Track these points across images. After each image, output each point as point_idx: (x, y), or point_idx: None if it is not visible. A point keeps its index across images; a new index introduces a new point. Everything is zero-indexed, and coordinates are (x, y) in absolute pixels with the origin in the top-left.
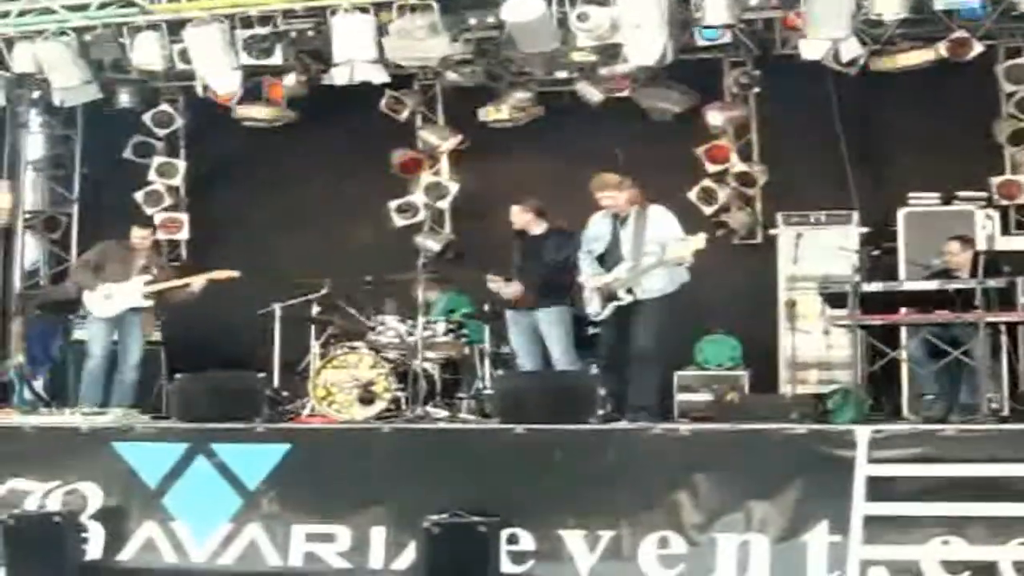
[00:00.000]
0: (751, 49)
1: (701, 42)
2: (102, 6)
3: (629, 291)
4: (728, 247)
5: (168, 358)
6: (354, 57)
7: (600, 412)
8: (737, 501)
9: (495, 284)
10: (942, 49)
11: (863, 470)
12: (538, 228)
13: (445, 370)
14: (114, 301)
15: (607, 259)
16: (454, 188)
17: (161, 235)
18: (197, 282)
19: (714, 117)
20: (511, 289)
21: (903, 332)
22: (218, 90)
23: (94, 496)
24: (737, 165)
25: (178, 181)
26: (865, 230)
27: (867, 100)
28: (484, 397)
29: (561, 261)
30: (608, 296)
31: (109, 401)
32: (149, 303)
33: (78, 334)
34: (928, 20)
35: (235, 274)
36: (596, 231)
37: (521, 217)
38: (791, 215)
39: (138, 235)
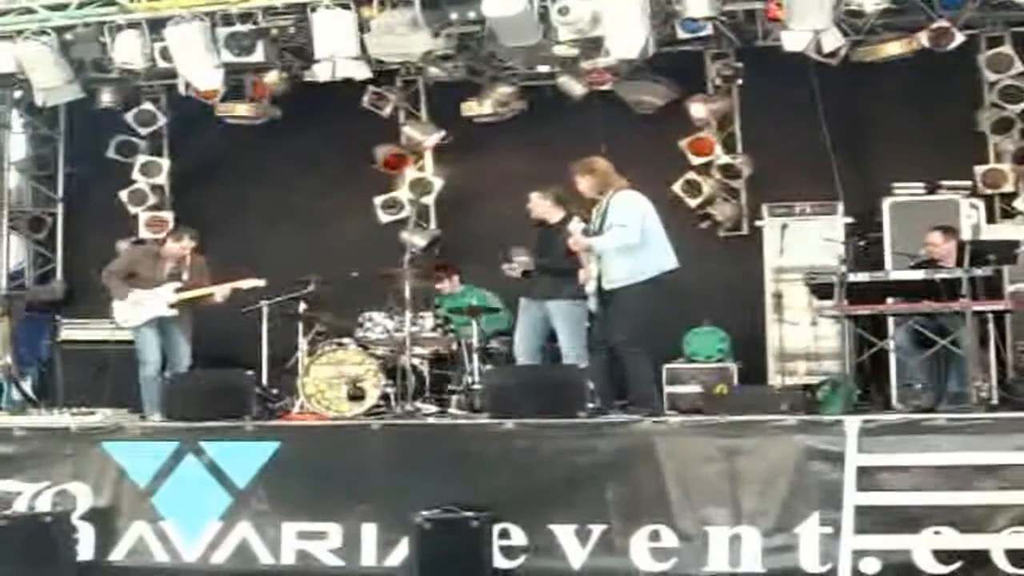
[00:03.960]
0: (733, 41)
1: (683, 35)
2: (82, 5)
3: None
4: (714, 239)
5: None
6: (336, 53)
7: (589, 406)
8: (728, 493)
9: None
10: (923, 39)
11: (853, 460)
12: (556, 217)
13: (434, 365)
14: (142, 308)
15: None
16: (439, 183)
17: (146, 234)
18: (220, 292)
19: (697, 109)
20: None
21: (890, 322)
22: (200, 88)
23: (84, 496)
24: (721, 157)
25: (162, 179)
26: (850, 220)
27: (850, 91)
28: (473, 392)
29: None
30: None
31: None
32: (173, 312)
33: (66, 334)
34: (909, 10)
35: (260, 282)
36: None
37: (540, 205)
38: (776, 206)
39: (172, 247)
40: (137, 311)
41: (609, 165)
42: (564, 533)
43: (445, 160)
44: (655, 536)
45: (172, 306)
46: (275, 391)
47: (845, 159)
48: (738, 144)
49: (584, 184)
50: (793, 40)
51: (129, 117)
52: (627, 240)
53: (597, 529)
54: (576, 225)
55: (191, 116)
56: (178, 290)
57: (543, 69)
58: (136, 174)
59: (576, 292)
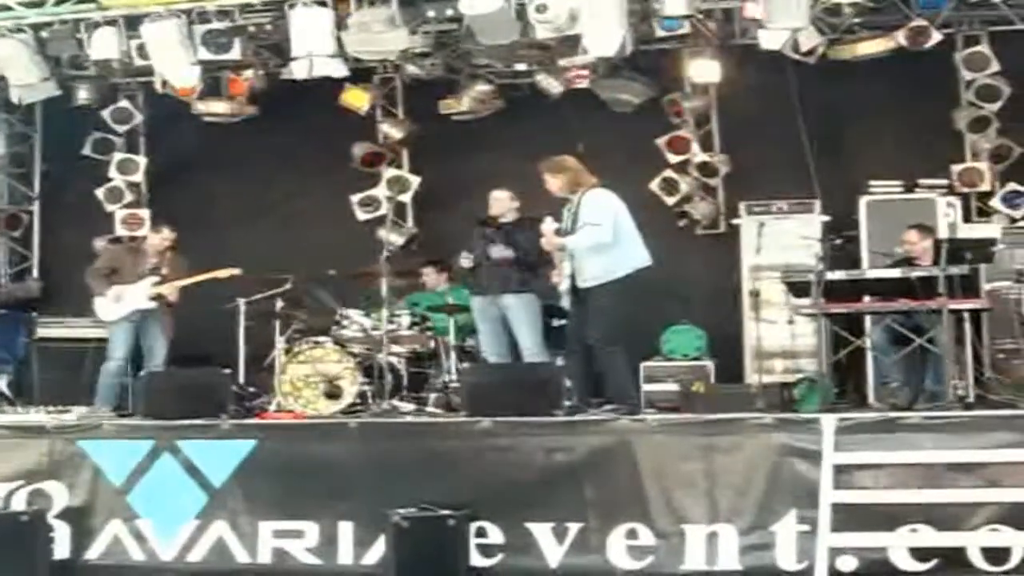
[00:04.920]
0: (711, 39)
1: (660, 32)
2: (58, 2)
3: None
4: (691, 237)
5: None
6: (313, 51)
7: (566, 404)
8: (705, 491)
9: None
10: (901, 38)
11: (830, 458)
12: (514, 215)
13: (411, 363)
14: (121, 303)
15: None
16: (416, 181)
17: (123, 231)
18: (170, 290)
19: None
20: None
21: (867, 320)
22: (177, 85)
23: (59, 495)
24: (699, 155)
25: (139, 177)
26: (827, 219)
27: (828, 89)
28: (451, 390)
29: (533, 249)
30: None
31: (127, 403)
32: (154, 304)
33: (42, 332)
34: (886, 9)
35: (237, 271)
36: (562, 218)
37: (508, 204)
38: (753, 205)
39: (154, 239)
40: (117, 306)
41: (579, 163)
42: (541, 531)
43: (422, 158)
44: (632, 534)
45: (152, 299)
46: (252, 389)
47: (822, 157)
48: (715, 142)
49: (554, 183)
50: (770, 38)
51: (105, 114)
52: (600, 239)
53: (574, 527)
54: (549, 224)
55: (168, 113)
56: (156, 284)
57: (521, 67)
58: (112, 171)
59: (531, 285)
